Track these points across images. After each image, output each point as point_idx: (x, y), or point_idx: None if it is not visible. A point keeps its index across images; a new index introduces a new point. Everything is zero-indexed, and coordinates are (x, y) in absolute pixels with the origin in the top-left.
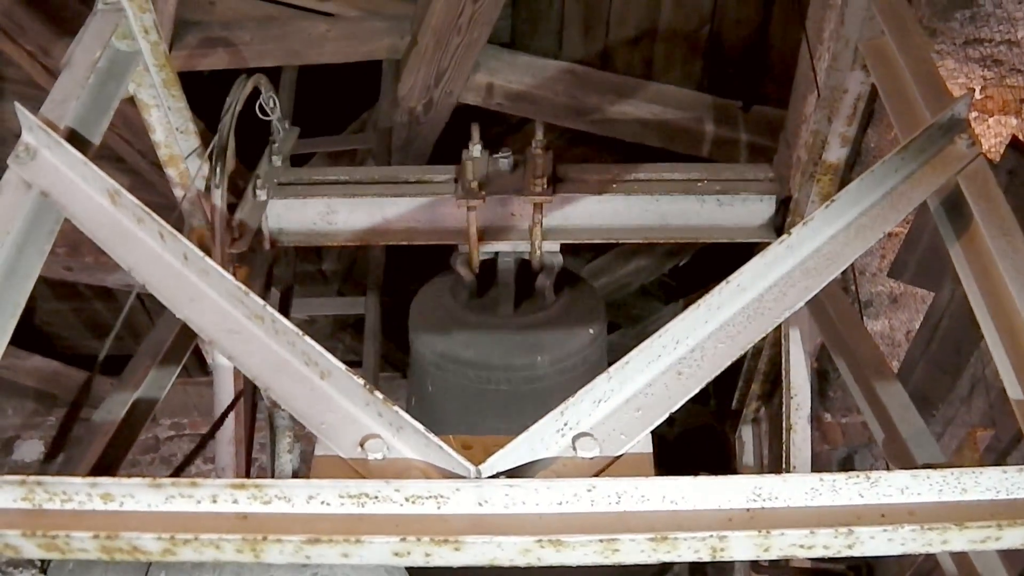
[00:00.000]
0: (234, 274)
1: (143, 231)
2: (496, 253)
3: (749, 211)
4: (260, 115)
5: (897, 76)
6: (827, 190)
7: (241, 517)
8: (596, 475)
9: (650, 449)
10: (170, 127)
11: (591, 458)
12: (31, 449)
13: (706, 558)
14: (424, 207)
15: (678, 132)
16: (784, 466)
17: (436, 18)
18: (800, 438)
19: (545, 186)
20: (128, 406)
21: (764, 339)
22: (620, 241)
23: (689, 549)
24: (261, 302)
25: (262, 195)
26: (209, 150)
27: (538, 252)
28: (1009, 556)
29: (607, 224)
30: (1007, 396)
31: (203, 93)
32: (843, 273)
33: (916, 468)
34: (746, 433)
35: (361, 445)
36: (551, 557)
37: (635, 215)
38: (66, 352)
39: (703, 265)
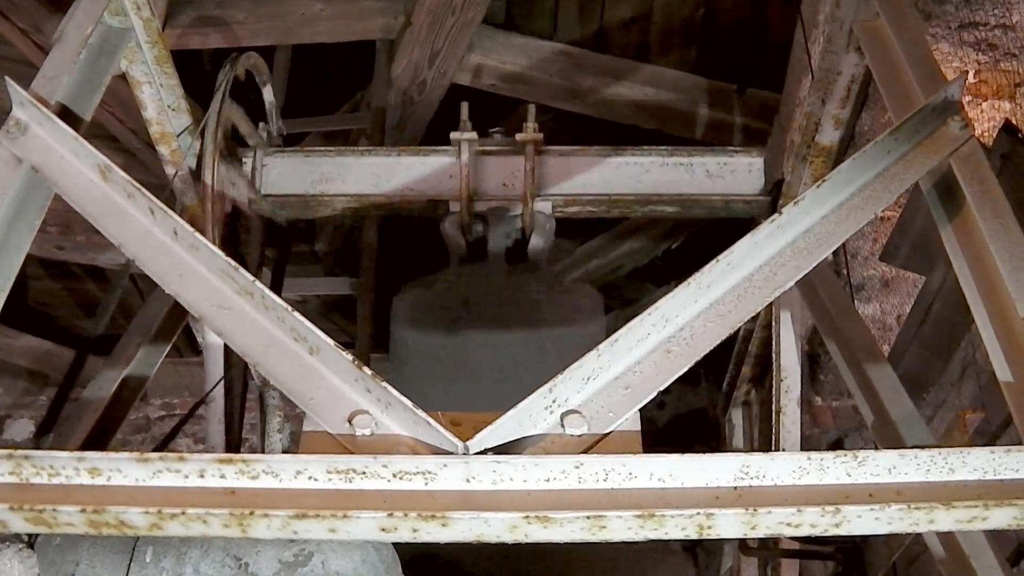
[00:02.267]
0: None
1: (133, 207)
2: (488, 211)
3: (739, 181)
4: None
5: (891, 59)
6: (820, 172)
7: (229, 492)
8: (584, 452)
9: (638, 427)
10: (162, 104)
11: (579, 435)
12: (22, 428)
13: (693, 536)
14: (416, 174)
15: (673, 114)
16: (774, 449)
17: None
18: (790, 421)
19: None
20: (118, 383)
21: (755, 321)
22: (611, 214)
23: (676, 527)
24: (251, 277)
25: (253, 169)
26: (200, 127)
27: (530, 204)
28: (997, 537)
29: (599, 190)
30: (997, 379)
31: (199, 74)
32: (835, 256)
33: None
34: (736, 416)
35: (349, 421)
36: (538, 534)
37: (627, 183)
38: (58, 331)
39: (695, 249)
